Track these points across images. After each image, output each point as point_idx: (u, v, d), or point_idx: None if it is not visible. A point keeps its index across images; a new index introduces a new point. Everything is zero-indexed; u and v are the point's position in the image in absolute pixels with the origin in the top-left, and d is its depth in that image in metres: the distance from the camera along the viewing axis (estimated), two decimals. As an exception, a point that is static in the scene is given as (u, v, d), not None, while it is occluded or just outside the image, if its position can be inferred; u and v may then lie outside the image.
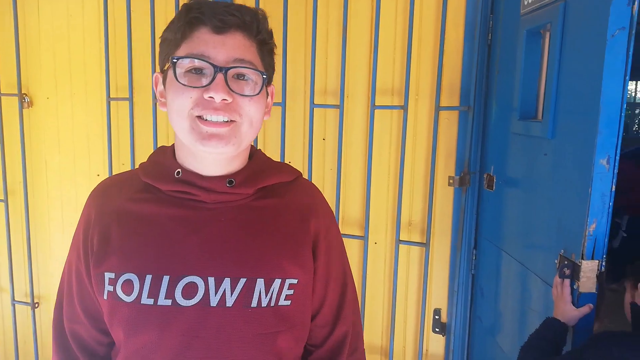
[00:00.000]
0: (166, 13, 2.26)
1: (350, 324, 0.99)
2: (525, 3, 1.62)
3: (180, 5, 2.17)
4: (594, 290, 1.27)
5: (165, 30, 0.85)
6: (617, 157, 1.22)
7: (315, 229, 0.91)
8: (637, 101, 12.01)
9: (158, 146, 2.24)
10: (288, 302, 0.85)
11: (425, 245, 2.05)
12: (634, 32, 1.19)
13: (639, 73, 10.10)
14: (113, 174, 2.34)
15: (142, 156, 2.33)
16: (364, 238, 2.12)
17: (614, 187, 1.22)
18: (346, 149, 2.17)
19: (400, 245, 2.11)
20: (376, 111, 2.08)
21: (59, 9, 2.39)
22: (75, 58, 2.41)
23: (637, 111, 11.34)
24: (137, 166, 2.35)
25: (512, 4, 1.74)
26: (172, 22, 0.84)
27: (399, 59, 2.08)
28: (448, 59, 2.00)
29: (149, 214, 0.84)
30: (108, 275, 0.81)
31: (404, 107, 2.00)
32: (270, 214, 0.88)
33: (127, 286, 0.80)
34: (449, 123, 2.04)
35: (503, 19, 1.84)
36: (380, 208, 2.18)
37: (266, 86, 0.85)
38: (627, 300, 1.36)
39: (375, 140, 2.10)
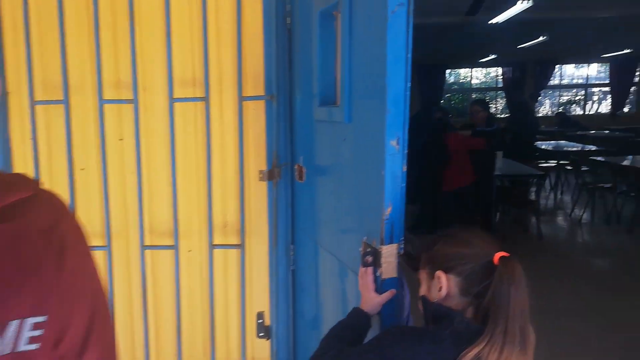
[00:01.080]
0: None
1: None
2: (317, -18, 1.56)
3: None
4: (395, 275, 1.23)
5: None
6: (406, 138, 1.20)
7: (60, 248, 0.74)
8: (473, 86, 13.56)
9: None
10: (34, 346, 0.68)
11: (240, 246, 1.91)
12: (412, 8, 1.17)
13: (474, 60, 11.28)
14: None
15: None
16: (174, 247, 1.90)
17: (405, 167, 1.20)
18: (147, 148, 1.94)
19: (216, 250, 1.94)
20: (178, 105, 1.89)
21: None
22: None
23: (473, 95, 12.73)
24: None
25: (306, -16, 1.67)
26: None
27: (198, 47, 1.91)
28: (249, 45, 1.88)
29: None
30: None
31: (205, 99, 1.84)
32: (4, 243, 0.70)
33: None
34: (256, 114, 1.93)
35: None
36: (192, 212, 1.99)
37: None
38: (422, 292, 1.13)
39: (178, 136, 1.90)
